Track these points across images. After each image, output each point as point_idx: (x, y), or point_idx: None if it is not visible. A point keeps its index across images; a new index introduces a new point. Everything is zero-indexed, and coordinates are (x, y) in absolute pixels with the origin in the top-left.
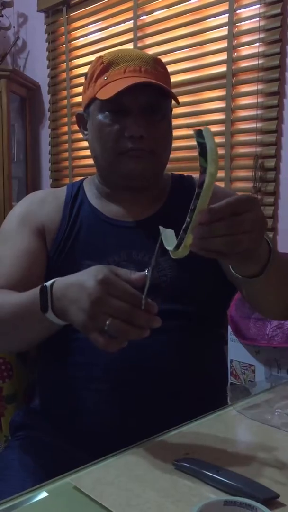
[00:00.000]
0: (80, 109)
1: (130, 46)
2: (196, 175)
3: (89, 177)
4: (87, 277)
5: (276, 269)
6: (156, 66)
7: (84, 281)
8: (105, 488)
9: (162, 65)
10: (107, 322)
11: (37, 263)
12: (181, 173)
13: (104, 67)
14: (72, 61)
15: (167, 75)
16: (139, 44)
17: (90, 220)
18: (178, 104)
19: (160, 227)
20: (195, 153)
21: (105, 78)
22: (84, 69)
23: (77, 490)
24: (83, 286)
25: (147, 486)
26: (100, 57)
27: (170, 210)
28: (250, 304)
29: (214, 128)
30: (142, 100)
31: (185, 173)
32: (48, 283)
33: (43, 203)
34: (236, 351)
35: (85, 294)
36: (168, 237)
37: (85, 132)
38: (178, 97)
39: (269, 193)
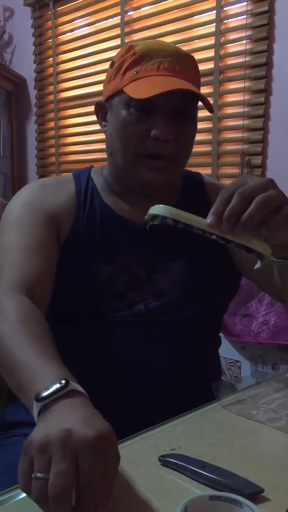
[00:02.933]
0: (70, 104)
1: (117, 41)
2: (203, 171)
3: (94, 167)
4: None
5: None
6: (190, 63)
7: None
8: None
9: (195, 63)
10: (38, 474)
11: (51, 255)
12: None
13: (136, 59)
14: (59, 56)
15: (199, 73)
16: (126, 40)
17: (104, 218)
18: (212, 112)
19: None
20: (199, 149)
21: (136, 72)
22: (71, 64)
23: None
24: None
25: (133, 482)
26: (131, 46)
27: (185, 209)
28: (274, 292)
29: (201, 125)
30: (173, 102)
31: (192, 169)
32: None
33: (55, 191)
34: (222, 347)
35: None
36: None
37: (104, 124)
38: None
39: None
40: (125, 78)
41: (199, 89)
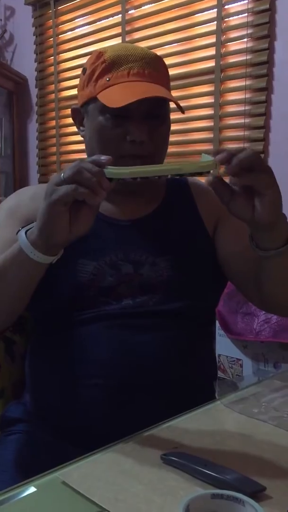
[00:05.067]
0: (71, 103)
1: (118, 40)
2: None
3: None
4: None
5: None
6: (159, 66)
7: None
8: (93, 483)
9: (163, 64)
10: (62, 175)
11: None
12: None
13: (107, 66)
14: (60, 55)
15: (168, 75)
16: (127, 39)
17: None
18: (183, 113)
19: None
20: (184, 148)
21: (108, 79)
22: (72, 63)
23: (65, 485)
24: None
25: (135, 480)
26: (100, 53)
27: (167, 209)
28: (260, 290)
29: (202, 124)
30: (145, 107)
31: None
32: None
33: (34, 198)
34: (224, 346)
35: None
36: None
37: (82, 128)
38: None
39: None
40: (98, 86)
41: (169, 88)
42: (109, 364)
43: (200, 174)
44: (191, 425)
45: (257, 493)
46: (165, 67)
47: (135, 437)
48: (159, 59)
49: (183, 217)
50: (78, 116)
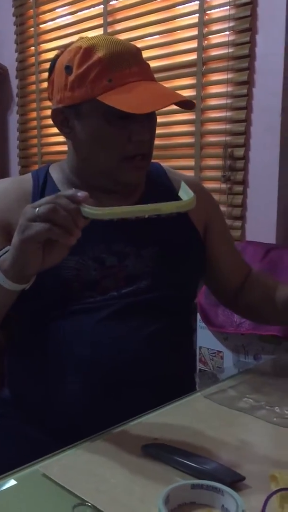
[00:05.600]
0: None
1: (100, 31)
2: (185, 162)
3: (54, 163)
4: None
5: None
6: (141, 57)
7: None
8: (74, 475)
9: (141, 54)
10: (36, 210)
11: None
12: (180, 165)
13: (105, 66)
14: (41, 45)
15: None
16: (109, 30)
17: None
18: (194, 107)
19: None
20: (167, 141)
21: (109, 80)
22: (54, 54)
23: (46, 478)
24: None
25: (116, 471)
26: (90, 50)
27: (148, 201)
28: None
29: (184, 117)
30: None
31: (176, 160)
32: None
33: (6, 197)
34: (205, 338)
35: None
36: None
37: (67, 130)
38: None
39: (238, 182)
40: (97, 87)
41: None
42: (90, 359)
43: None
44: (172, 417)
45: (236, 483)
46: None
47: (116, 430)
48: (140, 51)
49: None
50: (59, 117)
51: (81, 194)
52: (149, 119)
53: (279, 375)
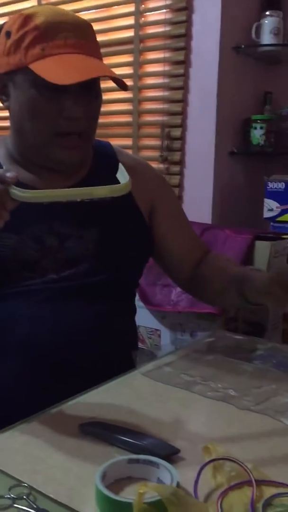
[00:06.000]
0: None
1: (33, 3)
2: (123, 142)
3: None
4: None
5: None
6: (92, 36)
7: None
8: (11, 456)
9: (93, 31)
10: None
11: None
12: (117, 144)
13: (40, 34)
14: None
15: (97, 41)
16: (43, 2)
17: None
18: (126, 90)
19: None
20: (103, 119)
21: (42, 49)
22: None
23: None
24: None
25: (53, 451)
26: (29, 16)
27: (95, 178)
28: (199, 296)
29: (121, 95)
30: (84, 81)
31: (113, 140)
32: None
33: None
34: (143, 317)
35: None
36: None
37: (4, 98)
38: None
39: (175, 163)
40: (30, 55)
41: (101, 58)
42: (28, 341)
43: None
44: (109, 395)
45: (171, 456)
46: (94, 34)
47: (53, 409)
48: (91, 27)
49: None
50: None
51: (10, 174)
52: (85, 95)
53: (213, 351)
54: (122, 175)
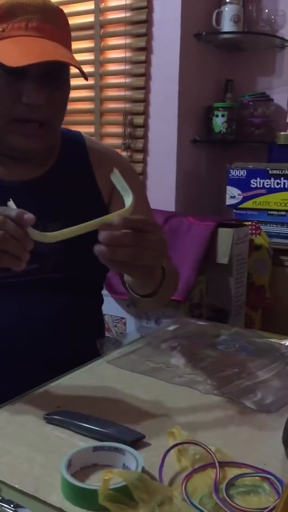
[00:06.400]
0: None
1: None
2: (85, 129)
3: None
4: None
5: (165, 289)
6: (61, 22)
7: None
8: None
9: (64, 18)
10: None
11: None
12: (68, 126)
13: (0, 14)
14: None
15: (69, 31)
16: None
17: None
18: (86, 80)
19: None
20: (72, 106)
21: (2, 30)
22: None
23: None
24: None
25: (18, 442)
26: None
27: (60, 172)
28: (134, 304)
29: (83, 82)
30: (44, 67)
31: (75, 127)
32: None
33: None
34: (108, 306)
35: None
36: None
37: None
38: None
39: (138, 150)
40: None
41: (70, 48)
42: None
43: None
44: (74, 384)
45: (137, 441)
46: (66, 22)
47: (18, 400)
48: (61, 13)
49: (77, 182)
50: None
51: (27, 216)
52: (47, 82)
53: (178, 337)
54: (119, 184)
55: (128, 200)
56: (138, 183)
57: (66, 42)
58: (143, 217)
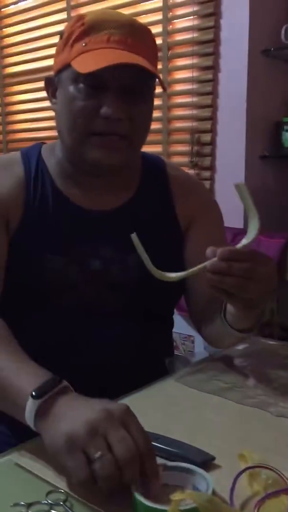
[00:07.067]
0: (16, 80)
1: (63, 15)
2: (153, 149)
3: (46, 143)
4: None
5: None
6: (145, 36)
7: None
8: (47, 463)
9: (150, 35)
10: (97, 454)
11: (1, 255)
12: (147, 151)
13: (84, 30)
14: (3, 29)
15: (155, 48)
16: (72, 13)
17: (56, 206)
18: (165, 91)
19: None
20: (152, 126)
21: (84, 44)
22: (16, 38)
23: (18, 467)
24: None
25: None
26: (81, 16)
27: (141, 202)
28: (207, 339)
29: None
30: (125, 78)
31: (150, 148)
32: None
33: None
34: (176, 323)
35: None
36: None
37: (54, 100)
38: None
39: (205, 168)
40: (73, 51)
41: (156, 64)
42: (65, 361)
43: None
44: (143, 402)
45: (207, 463)
46: (152, 40)
47: None
48: (146, 30)
49: (157, 211)
50: (52, 86)
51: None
52: (128, 97)
53: (248, 356)
54: (244, 196)
55: (254, 222)
56: (217, 222)
57: (149, 55)
58: (254, 250)
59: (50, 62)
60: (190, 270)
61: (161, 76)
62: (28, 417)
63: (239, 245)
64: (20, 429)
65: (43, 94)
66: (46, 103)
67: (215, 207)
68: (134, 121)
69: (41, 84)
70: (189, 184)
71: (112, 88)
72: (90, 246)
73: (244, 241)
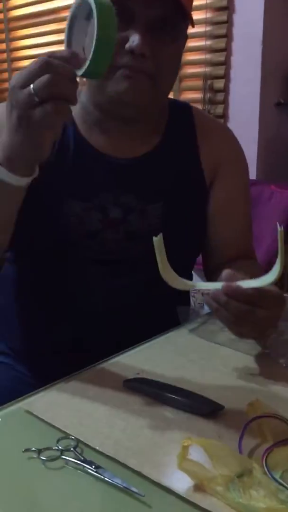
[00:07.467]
0: (27, 21)
1: None
2: (193, 104)
3: None
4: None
5: None
6: None
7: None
8: (58, 411)
9: None
10: (31, 88)
11: None
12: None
13: None
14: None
15: None
16: None
17: (78, 152)
18: (193, 26)
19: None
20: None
21: None
22: (22, 11)
23: (29, 414)
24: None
25: (99, 406)
26: None
27: (168, 148)
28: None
29: None
30: (154, 11)
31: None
32: None
33: None
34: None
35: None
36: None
37: None
38: None
39: (218, 116)
40: None
41: (189, 3)
42: (83, 307)
43: None
44: (153, 352)
45: (216, 412)
46: None
47: (98, 366)
48: None
49: (182, 159)
50: None
51: (67, 53)
52: (156, 34)
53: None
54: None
55: (277, 268)
56: (242, 174)
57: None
58: (266, 291)
59: (55, 4)
60: (200, 283)
61: None
62: None
63: (255, 282)
64: (40, 370)
65: (51, 38)
66: (53, 48)
67: (241, 156)
68: (161, 61)
69: (48, 28)
70: (216, 130)
71: (140, 21)
72: (112, 193)
73: (257, 283)
